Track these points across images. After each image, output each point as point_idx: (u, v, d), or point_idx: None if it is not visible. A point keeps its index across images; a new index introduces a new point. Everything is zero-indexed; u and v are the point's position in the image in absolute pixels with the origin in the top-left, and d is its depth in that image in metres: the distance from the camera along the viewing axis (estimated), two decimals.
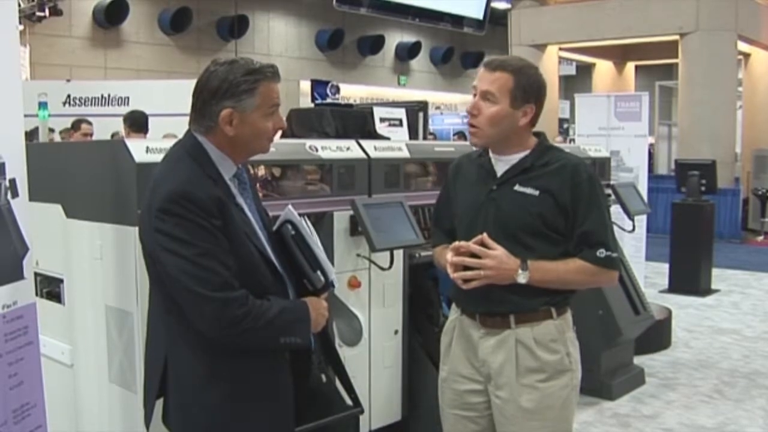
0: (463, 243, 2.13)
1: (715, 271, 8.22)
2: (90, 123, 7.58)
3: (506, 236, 2.16)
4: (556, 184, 2.16)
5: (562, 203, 2.14)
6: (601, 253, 2.15)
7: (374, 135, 4.23)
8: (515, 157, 2.22)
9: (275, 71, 1.91)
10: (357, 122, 4.20)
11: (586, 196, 2.16)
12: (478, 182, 2.27)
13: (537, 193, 2.16)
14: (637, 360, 5.00)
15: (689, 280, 7.66)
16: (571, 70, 16.93)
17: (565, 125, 16.26)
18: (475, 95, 2.20)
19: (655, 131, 15.79)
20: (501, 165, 2.24)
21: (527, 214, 2.13)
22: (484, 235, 2.12)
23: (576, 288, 2.23)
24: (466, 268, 2.13)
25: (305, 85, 15.59)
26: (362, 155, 3.31)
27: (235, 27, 15.55)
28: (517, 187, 2.17)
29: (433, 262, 2.58)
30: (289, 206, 2.06)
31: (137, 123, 6.19)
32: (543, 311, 2.20)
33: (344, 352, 3.04)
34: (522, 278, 2.09)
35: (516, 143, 2.22)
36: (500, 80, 2.15)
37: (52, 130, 8.81)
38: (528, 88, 2.17)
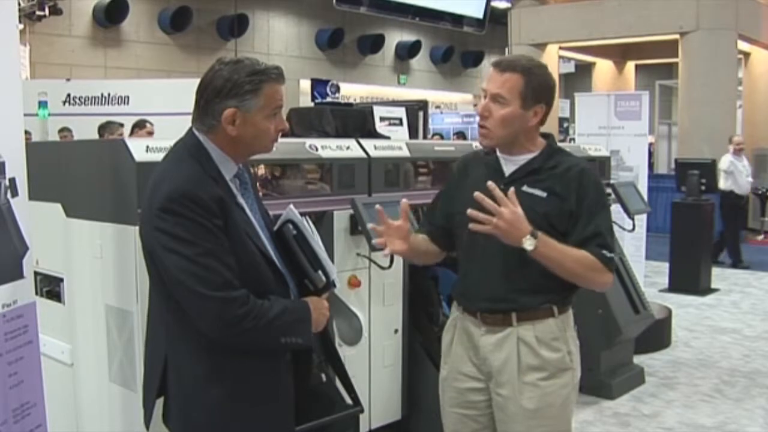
0: (490, 183, 2.04)
1: (715, 270, 8.22)
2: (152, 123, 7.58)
3: None
4: (563, 187, 2.17)
5: (568, 206, 2.15)
6: (606, 252, 2.15)
7: (374, 134, 4.22)
8: (523, 158, 2.23)
9: (280, 73, 1.91)
10: (357, 121, 4.19)
11: (592, 201, 2.17)
12: (485, 181, 2.23)
13: (545, 194, 2.16)
14: (637, 359, 5.00)
15: (689, 279, 7.67)
16: (570, 68, 16.90)
17: (565, 124, 16.24)
18: (484, 97, 2.18)
19: (655, 130, 15.79)
20: (509, 165, 2.24)
21: (533, 214, 2.12)
22: (511, 191, 2.05)
23: (569, 278, 2.17)
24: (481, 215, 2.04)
25: (305, 84, 15.60)
26: (362, 154, 3.31)
27: (235, 26, 15.51)
28: (525, 188, 2.17)
29: None
30: (291, 206, 2.06)
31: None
32: (545, 309, 2.20)
33: (344, 352, 3.05)
34: (529, 244, 2.02)
35: (525, 143, 2.22)
36: (510, 81, 2.13)
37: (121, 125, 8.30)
38: (538, 89, 2.16)
